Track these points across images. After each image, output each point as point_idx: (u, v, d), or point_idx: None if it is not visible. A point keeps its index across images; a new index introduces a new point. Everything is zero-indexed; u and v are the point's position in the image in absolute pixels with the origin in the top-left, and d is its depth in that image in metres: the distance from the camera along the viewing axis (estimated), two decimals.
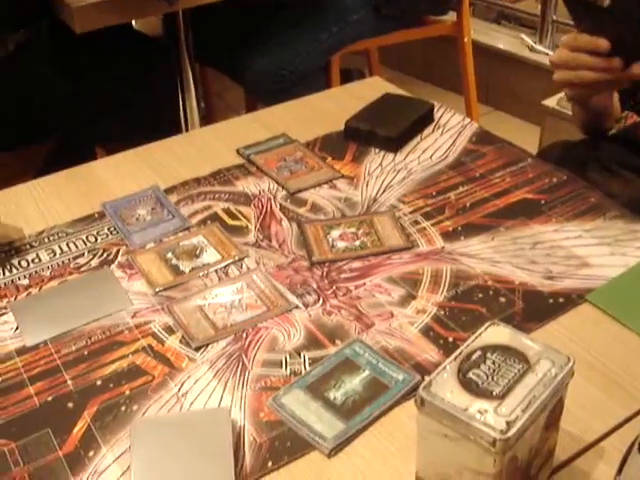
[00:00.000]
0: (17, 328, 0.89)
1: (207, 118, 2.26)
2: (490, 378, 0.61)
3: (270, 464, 0.72)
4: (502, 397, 0.59)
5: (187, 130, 2.06)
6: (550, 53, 2.93)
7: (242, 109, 2.84)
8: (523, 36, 3.05)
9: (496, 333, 0.65)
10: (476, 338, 0.65)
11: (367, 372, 0.80)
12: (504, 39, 3.15)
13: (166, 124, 1.71)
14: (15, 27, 1.73)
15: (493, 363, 0.62)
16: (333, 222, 1.04)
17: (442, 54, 3.15)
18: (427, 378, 0.61)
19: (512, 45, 3.08)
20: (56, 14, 1.71)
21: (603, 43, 1.05)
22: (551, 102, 2.54)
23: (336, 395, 0.77)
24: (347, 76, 2.49)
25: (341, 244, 1.00)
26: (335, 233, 1.01)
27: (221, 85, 2.99)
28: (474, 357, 0.63)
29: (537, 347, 0.64)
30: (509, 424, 0.57)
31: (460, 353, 0.63)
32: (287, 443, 0.74)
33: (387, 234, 1.01)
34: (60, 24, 1.68)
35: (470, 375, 0.61)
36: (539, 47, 2.97)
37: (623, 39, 1.05)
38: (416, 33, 2.50)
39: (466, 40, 2.53)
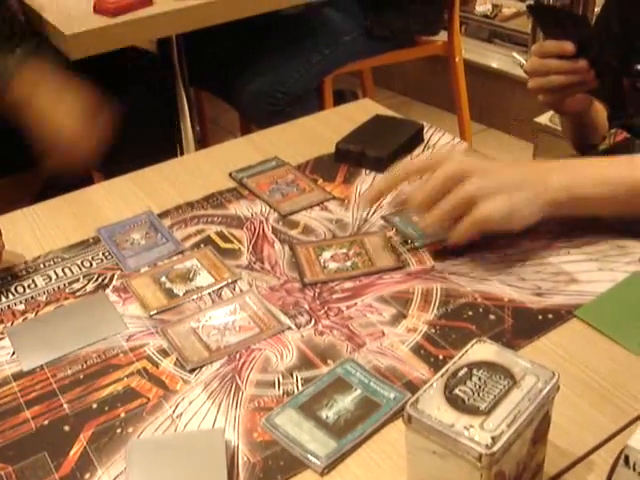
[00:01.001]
0: (14, 353, 0.90)
1: (202, 142, 2.28)
2: (476, 394, 0.62)
3: None
4: (488, 413, 0.60)
5: (182, 154, 2.08)
6: None
7: (237, 132, 2.86)
8: (515, 54, 3.08)
9: (482, 350, 0.66)
10: (462, 355, 0.66)
11: (359, 391, 0.81)
12: (496, 57, 3.18)
13: (166, 147, 1.72)
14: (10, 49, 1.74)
15: (479, 379, 0.63)
16: (324, 243, 1.05)
17: (435, 74, 3.19)
18: (414, 395, 0.63)
19: (504, 63, 3.12)
20: (48, 39, 1.73)
21: (568, 46, 1.12)
22: (543, 119, 2.57)
23: (328, 414, 0.78)
24: (340, 97, 2.51)
25: (333, 265, 1.01)
26: (326, 254, 1.03)
27: (216, 109, 3.01)
28: (460, 374, 0.64)
29: (523, 363, 0.65)
30: (494, 439, 0.58)
31: (447, 370, 0.64)
32: (280, 462, 0.74)
33: (378, 254, 1.02)
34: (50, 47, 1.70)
35: (456, 392, 0.62)
36: None
37: (585, 40, 1.10)
38: (408, 53, 2.53)
39: (457, 59, 2.56)
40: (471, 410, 0.61)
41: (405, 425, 0.62)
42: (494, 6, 3.37)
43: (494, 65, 3.12)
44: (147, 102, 1.97)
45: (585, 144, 1.37)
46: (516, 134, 3.03)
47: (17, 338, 0.93)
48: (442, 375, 0.64)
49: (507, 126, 3.09)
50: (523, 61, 3.01)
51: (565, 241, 1.02)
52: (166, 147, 1.95)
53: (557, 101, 1.24)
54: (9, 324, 0.95)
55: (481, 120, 3.13)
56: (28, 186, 1.94)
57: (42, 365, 0.88)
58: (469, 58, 2.98)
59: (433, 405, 0.61)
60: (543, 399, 0.62)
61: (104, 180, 1.33)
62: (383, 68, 2.78)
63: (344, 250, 1.03)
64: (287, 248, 1.05)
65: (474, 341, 0.67)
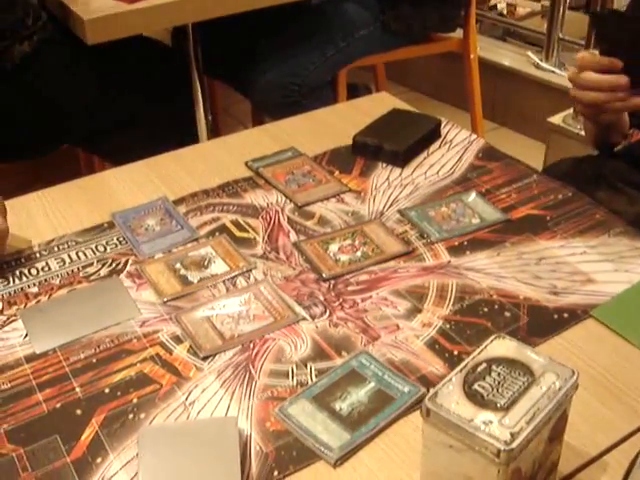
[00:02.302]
0: (26, 335, 0.90)
1: (214, 132, 2.27)
2: (495, 390, 0.62)
3: (276, 473, 0.72)
4: (507, 409, 0.60)
5: (195, 144, 2.07)
6: (556, 71, 2.95)
7: (249, 123, 2.86)
8: (529, 53, 3.07)
9: (501, 346, 0.66)
10: (482, 351, 0.65)
11: (373, 384, 0.80)
12: (510, 56, 3.16)
13: (179, 136, 1.72)
14: (22, 38, 1.74)
15: (498, 375, 0.63)
16: (327, 237, 1.05)
17: (448, 70, 3.17)
18: (433, 389, 0.62)
19: (518, 62, 3.10)
20: (66, 25, 1.72)
21: (615, 61, 1.06)
22: (556, 119, 2.56)
23: (342, 406, 0.78)
24: (353, 91, 2.50)
25: (344, 257, 1.01)
26: (334, 247, 1.02)
27: (228, 99, 3.00)
28: (479, 369, 0.64)
29: (542, 360, 0.64)
30: (513, 435, 0.58)
31: (466, 365, 0.64)
32: (293, 453, 0.74)
33: (383, 241, 1.03)
34: (70, 34, 1.70)
35: (475, 387, 0.62)
36: (545, 65, 2.98)
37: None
38: (423, 49, 2.52)
39: (472, 57, 2.54)
40: (490, 406, 0.60)
41: (423, 418, 0.62)
42: (509, 5, 3.36)
43: (508, 63, 3.10)
44: (159, 91, 1.96)
45: (606, 144, 1.35)
46: (528, 133, 3.02)
47: (30, 320, 0.92)
48: (461, 370, 0.64)
49: (519, 125, 3.07)
50: (537, 60, 3.00)
51: (581, 241, 1.02)
52: (178, 136, 1.94)
53: (591, 115, 1.21)
54: (22, 306, 0.95)
55: (493, 118, 3.12)
56: (41, 169, 1.95)
57: (55, 348, 0.88)
58: (483, 56, 2.96)
59: (452, 399, 0.61)
60: (562, 397, 0.62)
61: (116, 165, 1.33)
62: (396, 63, 2.76)
63: (349, 241, 1.03)
64: (302, 238, 1.05)
65: (493, 337, 0.67)
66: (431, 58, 2.92)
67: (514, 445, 0.58)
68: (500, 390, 0.62)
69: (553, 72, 2.95)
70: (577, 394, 0.65)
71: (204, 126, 2.08)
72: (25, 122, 1.79)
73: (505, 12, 3.38)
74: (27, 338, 0.90)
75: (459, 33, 2.54)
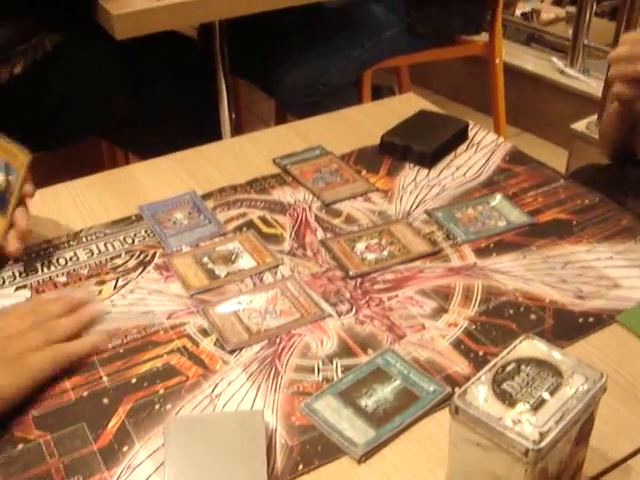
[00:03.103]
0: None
1: (237, 130, 2.28)
2: (524, 390, 0.62)
3: (301, 467, 0.73)
4: (535, 409, 0.60)
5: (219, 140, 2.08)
6: (580, 77, 2.94)
7: (271, 122, 2.86)
8: (554, 59, 3.06)
9: (530, 346, 0.66)
10: (510, 351, 0.66)
11: (398, 382, 0.81)
12: (534, 61, 3.16)
13: (202, 133, 1.73)
14: (53, 27, 1.75)
15: (527, 375, 0.63)
16: (354, 235, 1.05)
17: (472, 74, 3.17)
18: (462, 387, 0.63)
19: (542, 68, 3.09)
20: (96, 19, 1.74)
21: None
22: (580, 126, 2.55)
23: (367, 403, 0.78)
24: (377, 92, 2.51)
25: (370, 255, 1.01)
26: (360, 246, 1.03)
27: (251, 97, 3.01)
28: (508, 369, 0.64)
29: (570, 362, 0.65)
30: (542, 435, 0.58)
31: (495, 364, 0.64)
32: (318, 447, 0.75)
33: (410, 241, 1.03)
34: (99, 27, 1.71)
35: (504, 386, 0.62)
36: (569, 71, 2.98)
37: None
38: (448, 52, 2.52)
39: (497, 61, 2.54)
40: (519, 405, 0.61)
41: (451, 416, 0.62)
42: (533, 10, 3.35)
43: (532, 69, 3.10)
44: (185, 88, 1.98)
45: (625, 152, 1.34)
46: (551, 139, 3.01)
47: None
48: (490, 369, 0.64)
49: (542, 131, 3.07)
50: (562, 66, 2.99)
51: (607, 246, 1.02)
52: (203, 133, 1.95)
53: (636, 97, 1.17)
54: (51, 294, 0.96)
55: (516, 124, 3.12)
56: (65, 162, 1.96)
57: None
58: (507, 60, 2.96)
59: (481, 398, 0.61)
60: (590, 399, 0.62)
61: (140, 159, 1.33)
62: (420, 66, 2.77)
63: (376, 240, 1.04)
64: (330, 236, 1.05)
65: (522, 337, 0.67)
66: (455, 61, 2.93)
67: (543, 444, 0.58)
68: (529, 390, 0.62)
69: (577, 78, 2.95)
70: (602, 398, 0.65)
71: (228, 124, 2.08)
72: (54, 112, 1.80)
73: (530, 17, 3.38)
74: None
75: (484, 37, 2.54)
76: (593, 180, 1.27)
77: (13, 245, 0.98)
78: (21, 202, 1.00)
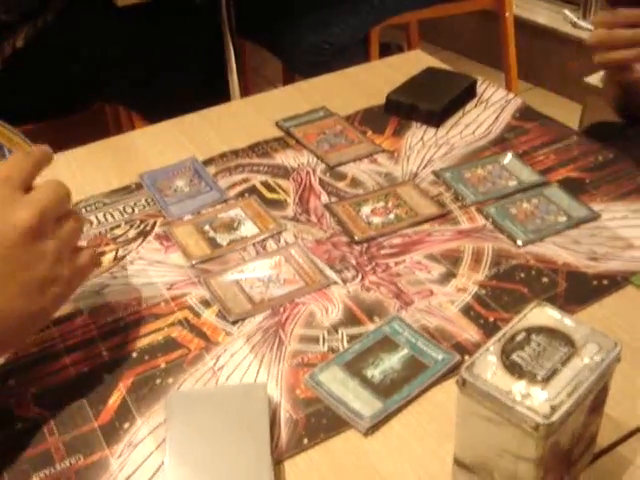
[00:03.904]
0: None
1: (244, 91, 2.25)
2: (534, 361, 0.59)
3: (306, 441, 0.71)
4: (546, 380, 0.58)
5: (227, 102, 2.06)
6: (593, 29, 2.88)
7: (279, 83, 2.83)
8: (566, 11, 3.00)
9: (541, 314, 0.63)
10: (521, 319, 0.63)
11: (406, 350, 0.78)
12: (546, 14, 3.10)
13: (209, 95, 1.70)
14: None
15: (538, 345, 0.60)
16: (359, 199, 1.02)
17: (482, 29, 3.12)
18: (469, 359, 0.60)
19: (554, 20, 3.04)
20: None
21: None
22: (594, 79, 2.50)
23: (374, 373, 0.76)
24: (386, 50, 2.47)
25: (377, 219, 0.98)
26: (366, 209, 1.00)
27: (258, 59, 2.97)
28: (518, 338, 0.61)
29: (584, 330, 0.62)
30: (553, 408, 0.56)
31: (504, 334, 0.62)
32: (323, 420, 0.73)
33: (417, 203, 1.00)
34: None
35: (514, 357, 0.60)
36: (582, 23, 2.92)
37: None
38: (457, 7, 2.47)
39: (508, 15, 2.49)
40: (529, 377, 0.58)
41: (458, 389, 0.60)
42: None
43: (543, 22, 3.04)
44: (192, 49, 1.95)
45: (632, 114, 1.30)
46: (564, 94, 2.96)
47: None
48: (499, 339, 0.61)
49: (555, 85, 3.02)
50: (575, 19, 2.93)
51: (622, 205, 0.98)
52: (209, 95, 1.93)
53: (628, 77, 1.15)
54: None
55: (527, 78, 3.07)
56: (69, 131, 1.93)
57: (82, 311, 0.87)
58: (518, 14, 2.90)
59: (489, 370, 0.59)
60: (604, 370, 0.59)
61: (145, 124, 1.31)
62: (429, 22, 2.72)
63: (382, 203, 1.01)
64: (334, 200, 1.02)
65: (533, 304, 0.64)
66: (465, 16, 2.87)
67: (554, 419, 0.55)
68: (540, 361, 0.59)
69: (590, 30, 2.88)
70: None
71: (237, 86, 2.05)
72: (59, 80, 1.78)
73: None
74: None
75: None
76: (607, 135, 1.23)
77: None
78: None
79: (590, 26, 2.71)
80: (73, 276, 0.76)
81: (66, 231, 0.75)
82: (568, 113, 2.54)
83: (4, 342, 0.72)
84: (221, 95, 2.04)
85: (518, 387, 0.57)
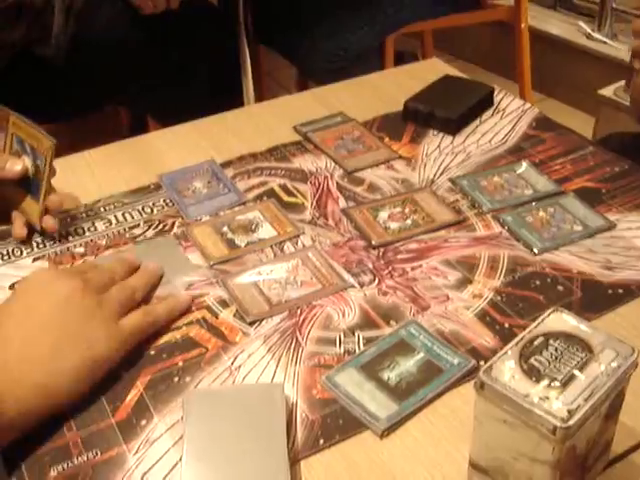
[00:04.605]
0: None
1: (258, 97, 2.25)
2: (552, 365, 0.60)
3: (322, 442, 0.71)
4: (564, 385, 0.58)
5: (240, 107, 2.06)
6: (608, 41, 2.88)
7: (293, 89, 2.83)
8: (581, 23, 3.00)
9: (559, 320, 0.64)
10: (539, 324, 0.64)
11: (422, 354, 0.79)
12: (561, 26, 3.10)
13: (224, 99, 1.71)
14: None
15: (555, 350, 0.61)
16: (376, 204, 1.03)
17: (496, 39, 3.12)
18: (488, 362, 0.61)
19: (569, 32, 3.04)
20: None
21: None
22: (607, 92, 2.50)
23: (390, 376, 0.77)
24: (400, 58, 2.47)
25: (394, 225, 0.99)
26: (383, 215, 1.01)
27: (272, 64, 2.98)
28: (536, 343, 0.62)
29: (601, 336, 0.62)
30: (571, 412, 0.56)
31: (522, 338, 0.62)
32: (339, 421, 0.73)
33: (434, 209, 1.01)
34: None
35: (532, 361, 0.60)
36: (597, 35, 2.92)
37: None
38: (472, 17, 2.47)
39: (523, 26, 2.49)
40: (547, 381, 0.58)
41: (476, 392, 0.60)
42: None
43: (558, 33, 3.04)
44: (207, 54, 1.95)
45: None
46: (578, 105, 2.96)
47: None
48: (517, 343, 0.62)
49: (568, 97, 3.02)
50: (589, 31, 2.94)
51: (637, 215, 0.99)
52: (224, 100, 1.93)
53: None
54: (69, 266, 0.94)
55: (541, 89, 3.06)
56: (85, 132, 1.94)
57: None
58: (533, 25, 2.90)
59: (507, 373, 0.59)
60: (621, 375, 0.60)
61: (159, 129, 1.32)
62: (444, 31, 2.72)
63: (399, 209, 1.01)
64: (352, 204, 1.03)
65: (551, 310, 0.65)
66: (479, 26, 2.87)
67: (571, 422, 0.56)
68: (557, 365, 0.60)
69: (605, 43, 2.89)
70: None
71: (252, 92, 2.06)
72: (73, 81, 1.78)
73: None
74: None
75: (510, 1, 2.49)
76: (622, 147, 1.24)
77: (48, 222, 0.98)
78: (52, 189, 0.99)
79: (605, 38, 2.70)
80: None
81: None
82: (581, 125, 2.55)
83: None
84: (236, 99, 2.05)
85: (536, 391, 0.58)
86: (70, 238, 0.99)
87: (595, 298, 0.87)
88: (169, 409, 0.75)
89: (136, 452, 0.71)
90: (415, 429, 0.73)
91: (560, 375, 0.59)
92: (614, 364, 0.60)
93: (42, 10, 1.58)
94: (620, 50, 2.81)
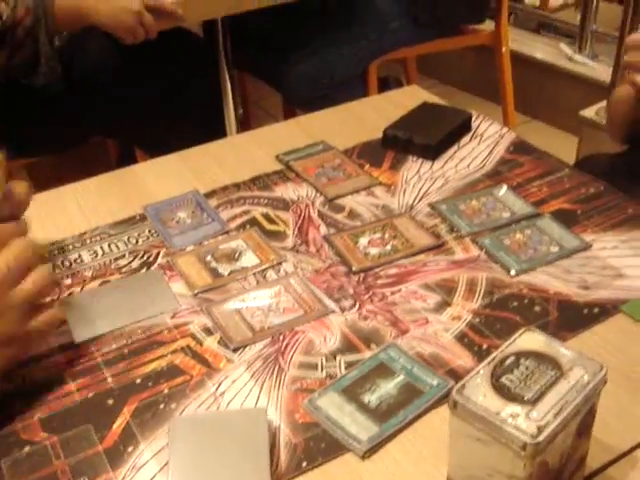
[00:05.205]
0: (59, 325, 0.91)
1: (245, 125, 2.28)
2: (523, 383, 0.62)
3: (305, 464, 0.73)
4: (534, 402, 0.60)
5: (224, 136, 2.09)
6: (589, 63, 2.92)
7: (280, 116, 2.86)
8: (562, 45, 3.05)
9: (530, 339, 0.66)
10: (510, 344, 0.66)
11: (402, 377, 0.81)
12: (543, 49, 3.15)
13: (209, 129, 1.73)
14: None
15: (526, 369, 0.63)
16: (357, 230, 1.05)
17: (480, 63, 3.16)
18: (461, 381, 0.63)
19: (550, 55, 3.08)
20: None
21: None
22: (589, 112, 2.54)
23: (371, 399, 0.78)
24: (384, 84, 2.51)
25: (374, 250, 1.01)
26: (363, 241, 1.03)
27: (259, 92, 3.01)
28: (508, 362, 0.64)
29: (570, 354, 0.64)
30: (540, 429, 0.58)
31: (494, 358, 0.64)
32: (322, 444, 0.75)
33: (413, 234, 1.03)
34: None
35: (503, 380, 0.62)
36: (578, 57, 2.96)
37: None
38: (454, 42, 2.52)
39: (504, 50, 2.53)
40: (517, 399, 0.61)
41: (450, 411, 0.62)
42: None
43: (540, 56, 3.08)
44: (190, 83, 1.98)
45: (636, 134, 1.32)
46: (561, 126, 3.00)
47: (70, 309, 0.93)
48: (489, 363, 0.64)
49: (552, 118, 3.06)
50: (571, 52, 2.97)
51: (612, 235, 1.01)
52: (209, 129, 1.95)
53: None
54: (55, 297, 0.96)
55: (525, 111, 3.10)
56: (72, 164, 1.96)
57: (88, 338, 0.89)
58: (515, 49, 2.94)
59: (479, 392, 0.61)
60: (590, 391, 0.62)
61: (147, 159, 1.33)
62: (427, 56, 2.76)
63: (379, 235, 1.03)
64: (333, 231, 1.05)
65: (522, 330, 0.67)
66: (463, 51, 2.91)
67: (540, 438, 0.58)
68: (528, 383, 0.62)
69: (586, 64, 2.93)
70: (607, 389, 0.65)
71: (233, 120, 2.08)
72: (56, 112, 1.80)
73: (538, 4, 3.37)
74: (61, 328, 0.90)
75: (491, 26, 2.53)
76: (600, 168, 1.26)
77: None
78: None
79: (586, 60, 2.72)
80: (28, 338, 0.80)
81: (24, 290, 0.78)
82: (565, 145, 2.58)
83: None
84: (221, 129, 2.07)
85: (507, 408, 0.60)
86: (57, 270, 1.01)
87: (571, 317, 0.88)
88: (155, 436, 0.77)
89: (123, 478, 0.73)
90: (396, 450, 0.75)
91: (530, 393, 0.61)
92: (583, 380, 0.62)
93: (24, 38, 1.60)
94: (601, 71, 2.85)
